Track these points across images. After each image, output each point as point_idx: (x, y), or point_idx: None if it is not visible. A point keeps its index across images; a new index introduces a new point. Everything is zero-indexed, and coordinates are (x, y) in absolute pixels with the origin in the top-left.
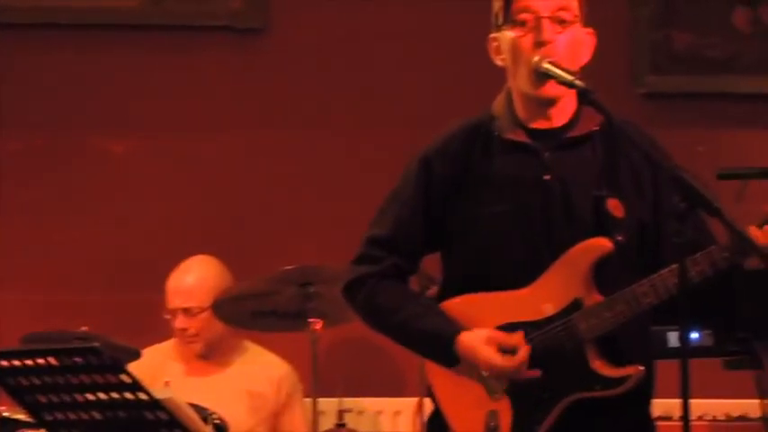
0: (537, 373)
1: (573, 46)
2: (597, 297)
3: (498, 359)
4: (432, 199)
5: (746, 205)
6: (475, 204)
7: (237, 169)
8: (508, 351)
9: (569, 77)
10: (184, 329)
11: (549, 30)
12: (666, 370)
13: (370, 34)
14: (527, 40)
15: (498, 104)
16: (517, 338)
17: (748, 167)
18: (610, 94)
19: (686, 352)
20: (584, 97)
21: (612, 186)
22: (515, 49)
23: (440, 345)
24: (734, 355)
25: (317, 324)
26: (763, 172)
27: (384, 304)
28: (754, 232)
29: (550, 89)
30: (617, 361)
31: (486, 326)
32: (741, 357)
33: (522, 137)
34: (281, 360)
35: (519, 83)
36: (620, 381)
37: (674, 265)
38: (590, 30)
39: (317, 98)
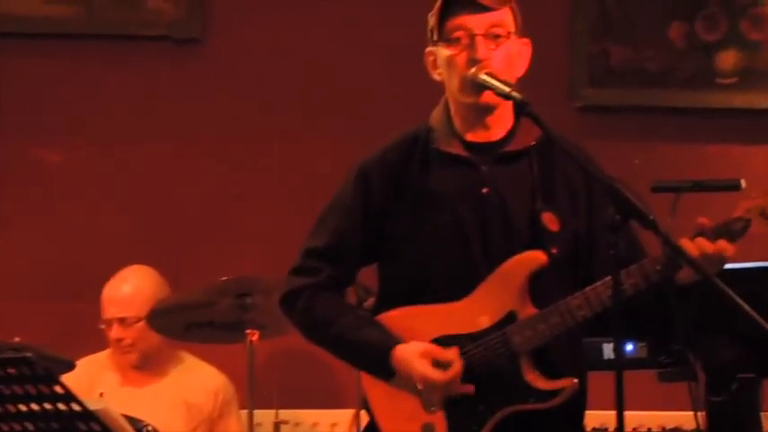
0: (470, 388)
1: (508, 60)
2: (532, 310)
3: (432, 373)
4: (369, 210)
5: (680, 218)
6: (412, 217)
7: (174, 179)
8: (442, 365)
9: (506, 88)
10: (120, 340)
11: (482, 47)
12: (601, 382)
13: (306, 44)
14: (461, 58)
15: (436, 116)
16: (452, 353)
17: (682, 180)
18: (547, 107)
19: (621, 364)
20: (520, 108)
21: (548, 200)
22: (450, 66)
23: (376, 357)
24: (668, 367)
25: (254, 335)
26: (696, 185)
27: (320, 316)
28: (686, 244)
29: (488, 96)
30: (551, 374)
31: (423, 338)
32: (675, 369)
33: (459, 150)
34: (217, 371)
35: (455, 96)
36: (553, 393)
37: (607, 278)
38: (526, 40)
39: (253, 108)
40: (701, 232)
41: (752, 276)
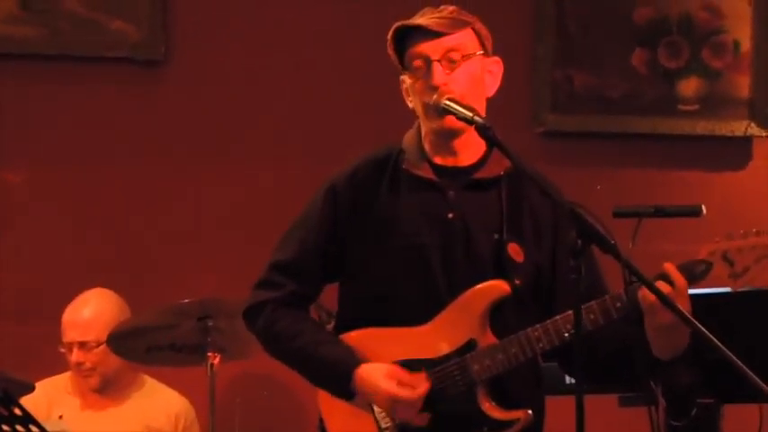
0: (425, 421)
1: (471, 82)
2: (491, 339)
3: (399, 390)
4: (336, 228)
5: (641, 243)
6: (377, 237)
7: (136, 201)
8: (407, 387)
9: (468, 113)
10: (80, 363)
11: (438, 73)
12: (562, 406)
13: (269, 66)
14: (420, 85)
15: (408, 138)
16: (418, 375)
17: (643, 206)
18: (509, 132)
19: (582, 388)
20: (481, 132)
21: (514, 231)
22: (414, 94)
23: (337, 375)
24: (629, 392)
25: (216, 358)
26: (657, 211)
27: (282, 331)
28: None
29: (450, 122)
30: (507, 404)
31: (383, 361)
32: (636, 394)
33: (428, 173)
34: (178, 395)
35: (423, 122)
36: (508, 423)
37: (567, 312)
38: (496, 59)
39: (216, 130)
40: (662, 275)
41: (712, 302)
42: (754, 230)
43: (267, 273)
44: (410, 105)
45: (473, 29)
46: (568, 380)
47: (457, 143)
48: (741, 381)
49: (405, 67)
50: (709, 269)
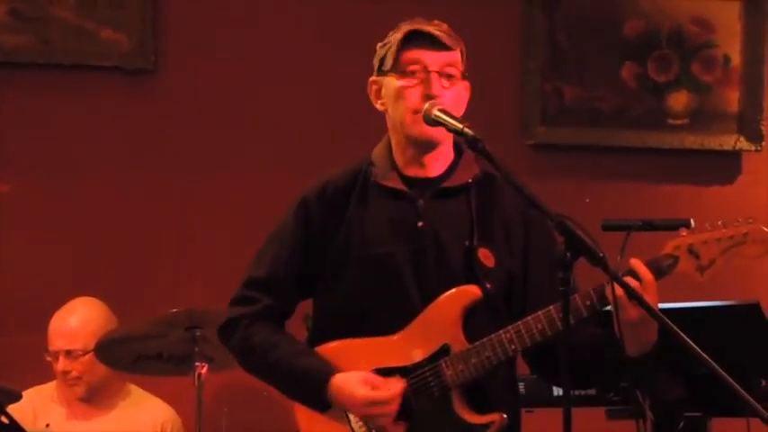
0: (401, 429)
1: (457, 100)
2: (465, 343)
3: (374, 393)
4: (309, 241)
5: (630, 256)
6: (348, 249)
7: (124, 210)
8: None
9: (459, 125)
10: (66, 372)
11: (437, 84)
12: (550, 418)
13: (258, 77)
14: (415, 92)
15: (377, 151)
16: (392, 379)
17: (632, 219)
18: (499, 145)
19: (569, 401)
20: (472, 144)
21: (484, 237)
22: (401, 97)
23: (312, 386)
24: (616, 405)
25: (203, 368)
26: (646, 224)
27: (257, 345)
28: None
29: (435, 133)
30: (482, 408)
31: (359, 370)
32: (624, 407)
33: (397, 183)
34: (165, 404)
35: (401, 128)
36: (482, 427)
37: (537, 312)
38: (467, 84)
39: (205, 139)
40: (629, 271)
41: (698, 316)
42: (719, 222)
43: (241, 289)
44: (379, 107)
45: (461, 50)
46: (556, 392)
47: (428, 156)
48: (729, 394)
49: (395, 68)
50: (676, 263)
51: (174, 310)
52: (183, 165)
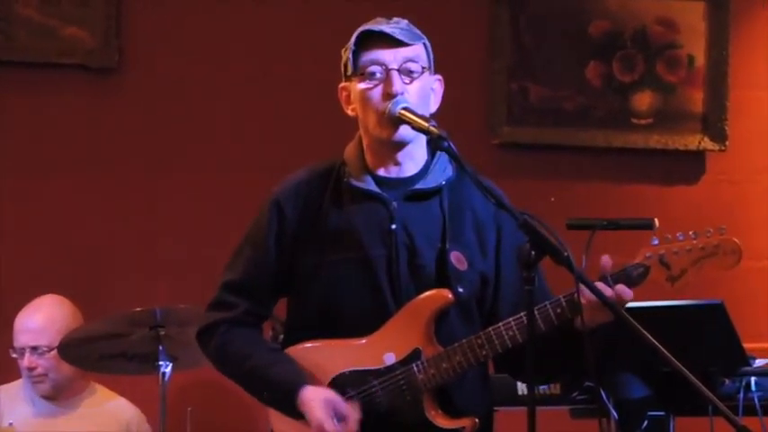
0: None
1: (423, 96)
2: (437, 347)
3: (329, 424)
4: (283, 242)
5: (594, 255)
6: (321, 250)
7: (88, 208)
8: (340, 417)
9: (424, 123)
10: (31, 369)
11: (398, 82)
12: (514, 418)
13: (223, 75)
14: (376, 92)
15: (349, 151)
16: (351, 410)
17: (597, 218)
18: (465, 144)
19: (534, 400)
20: (437, 143)
21: (457, 240)
22: (365, 100)
23: (283, 396)
24: (581, 404)
25: (167, 367)
26: (610, 223)
27: (234, 352)
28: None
29: (403, 132)
30: (454, 412)
31: (330, 372)
32: (588, 406)
33: (370, 185)
34: (129, 403)
35: (370, 130)
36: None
37: (509, 319)
38: (439, 77)
39: (169, 138)
40: (602, 277)
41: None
42: (690, 233)
43: (219, 293)
44: (350, 113)
45: (424, 44)
46: (521, 391)
47: (402, 154)
48: (692, 394)
49: (355, 71)
50: (647, 273)
51: (138, 308)
52: (146, 163)
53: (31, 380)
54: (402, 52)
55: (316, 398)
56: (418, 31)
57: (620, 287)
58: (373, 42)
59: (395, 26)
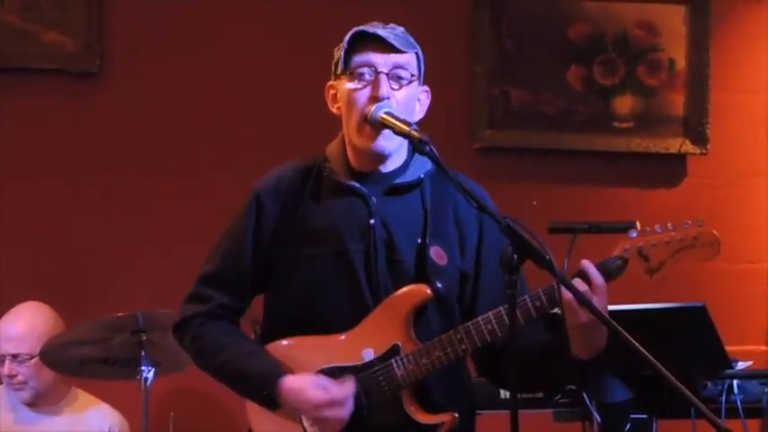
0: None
1: (409, 104)
2: (416, 343)
3: (326, 395)
4: (261, 236)
5: (576, 258)
6: (299, 245)
7: (70, 214)
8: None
9: (405, 128)
10: (12, 376)
11: (385, 86)
12: (497, 421)
13: (205, 79)
14: (363, 94)
15: (333, 147)
16: (343, 381)
17: (578, 222)
18: (446, 148)
19: (516, 403)
20: (419, 147)
21: (437, 235)
22: (351, 100)
23: (262, 387)
24: (563, 407)
25: (149, 372)
26: (592, 226)
27: (209, 344)
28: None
29: (383, 143)
30: (433, 407)
31: (308, 369)
32: (570, 409)
33: (350, 180)
34: (111, 409)
35: (351, 134)
36: (433, 427)
37: (488, 313)
38: (426, 88)
39: (150, 142)
40: (579, 273)
41: (645, 318)
42: (669, 225)
43: (195, 286)
44: (335, 112)
45: (417, 54)
46: (503, 395)
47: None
48: (674, 396)
49: (345, 70)
50: (625, 265)
51: (120, 314)
52: (128, 168)
53: (12, 387)
54: (394, 58)
55: (302, 382)
56: (413, 41)
57: (576, 280)
58: (367, 44)
59: (390, 31)
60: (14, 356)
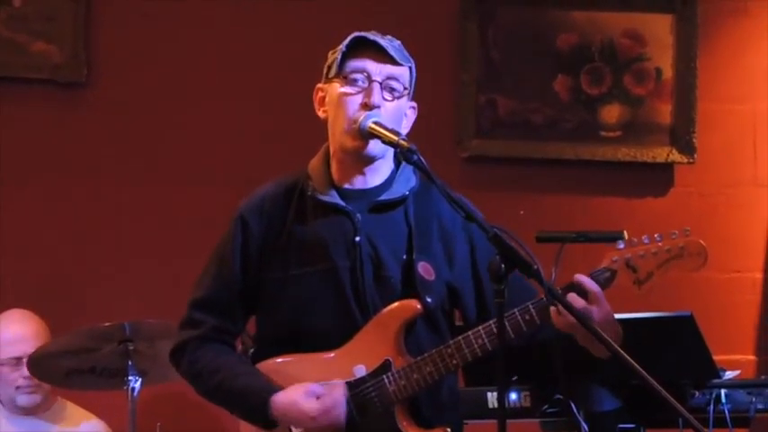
0: None
1: (398, 116)
2: (407, 358)
3: (320, 402)
4: (248, 257)
5: (564, 268)
6: (287, 264)
7: (57, 223)
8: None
9: (394, 137)
10: (28, 378)
11: (378, 95)
12: (485, 431)
13: (192, 90)
14: (355, 100)
15: (314, 164)
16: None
17: (566, 231)
18: (433, 157)
19: (504, 413)
20: (406, 157)
21: (424, 250)
22: (341, 104)
23: (255, 406)
24: (551, 417)
25: (136, 382)
26: (580, 236)
27: (203, 368)
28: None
29: (373, 147)
30: (425, 422)
31: None
32: (558, 419)
33: (334, 198)
34: (97, 419)
35: (338, 137)
36: None
37: (478, 328)
38: (414, 104)
39: (138, 152)
40: (572, 286)
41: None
42: (656, 235)
43: (187, 312)
44: (321, 115)
45: (411, 68)
46: (491, 404)
47: (367, 169)
48: (662, 405)
49: (338, 75)
50: (614, 277)
51: (107, 323)
52: (115, 177)
53: (23, 390)
54: (389, 69)
55: (294, 395)
56: (408, 55)
57: (572, 295)
58: (364, 51)
59: (389, 42)
60: (18, 359)
